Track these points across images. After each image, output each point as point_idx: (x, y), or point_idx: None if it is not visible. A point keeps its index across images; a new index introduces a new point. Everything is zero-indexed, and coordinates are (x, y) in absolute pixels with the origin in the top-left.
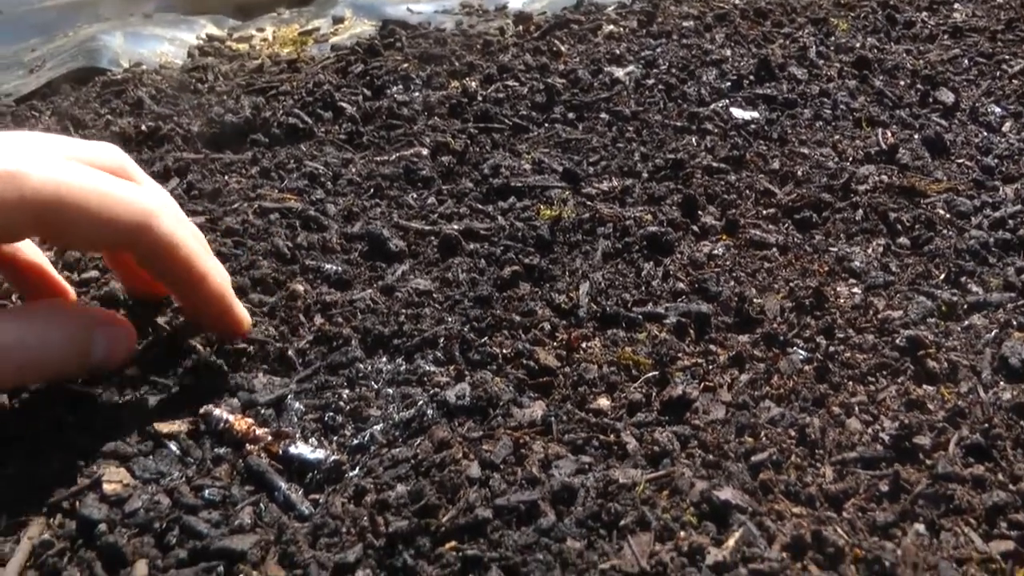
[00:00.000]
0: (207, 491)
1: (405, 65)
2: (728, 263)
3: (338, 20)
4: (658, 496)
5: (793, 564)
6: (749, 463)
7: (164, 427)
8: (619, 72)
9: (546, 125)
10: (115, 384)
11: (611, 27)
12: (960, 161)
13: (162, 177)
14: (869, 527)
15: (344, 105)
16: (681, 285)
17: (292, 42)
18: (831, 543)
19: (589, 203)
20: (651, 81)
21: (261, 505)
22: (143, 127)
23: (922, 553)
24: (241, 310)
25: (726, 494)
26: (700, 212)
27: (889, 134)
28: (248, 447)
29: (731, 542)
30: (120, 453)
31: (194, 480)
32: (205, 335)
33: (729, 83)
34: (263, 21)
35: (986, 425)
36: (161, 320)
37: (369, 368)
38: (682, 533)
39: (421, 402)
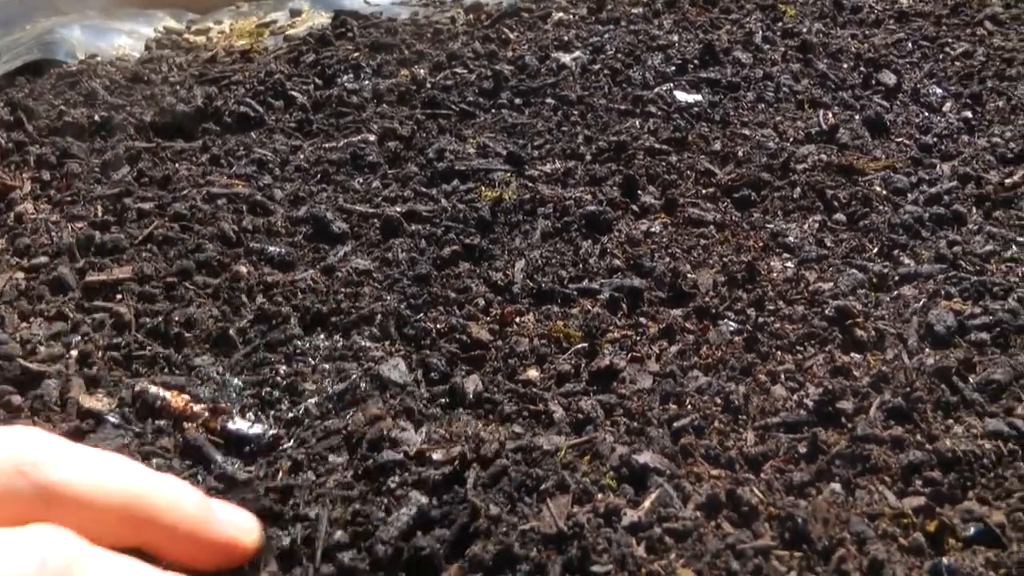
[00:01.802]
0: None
1: (356, 54)
2: (665, 240)
3: (296, 13)
4: (579, 461)
5: (707, 522)
6: (671, 429)
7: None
8: (566, 58)
9: (492, 111)
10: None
11: (561, 15)
12: (899, 140)
13: (113, 166)
14: (786, 487)
15: (295, 94)
16: (617, 262)
17: (249, 34)
18: (745, 502)
19: (531, 185)
20: (597, 66)
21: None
22: (96, 117)
23: (834, 509)
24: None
25: (645, 458)
26: (640, 192)
27: (830, 115)
28: (186, 424)
29: (647, 503)
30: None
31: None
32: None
33: (674, 67)
34: (222, 14)
35: (908, 389)
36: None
37: (307, 345)
38: (600, 496)
39: (355, 376)
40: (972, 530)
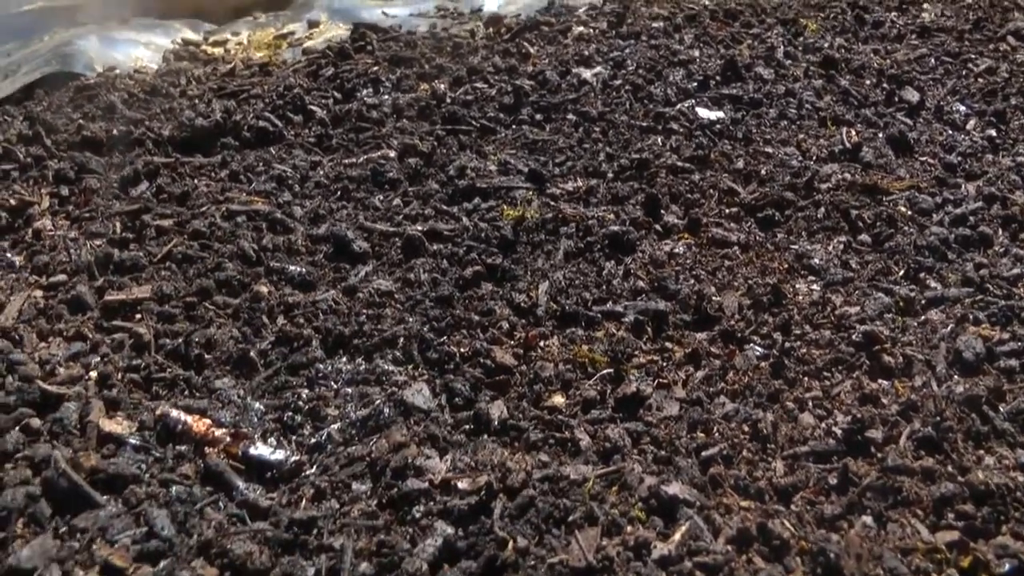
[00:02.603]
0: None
1: (375, 68)
2: (689, 261)
3: (313, 24)
4: (607, 492)
5: (738, 557)
6: (700, 458)
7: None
8: (587, 73)
9: (513, 127)
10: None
11: (581, 28)
12: (923, 159)
13: (132, 181)
14: (816, 520)
15: (314, 108)
16: (641, 284)
17: (267, 46)
18: (777, 535)
19: (553, 203)
20: (618, 82)
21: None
22: (114, 131)
23: (867, 544)
24: None
25: (674, 489)
26: (663, 211)
27: (853, 133)
28: (207, 449)
29: (677, 536)
30: None
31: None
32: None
33: (696, 83)
34: (239, 25)
35: (938, 418)
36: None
37: (329, 368)
38: (629, 528)
39: (378, 401)
40: (1007, 566)
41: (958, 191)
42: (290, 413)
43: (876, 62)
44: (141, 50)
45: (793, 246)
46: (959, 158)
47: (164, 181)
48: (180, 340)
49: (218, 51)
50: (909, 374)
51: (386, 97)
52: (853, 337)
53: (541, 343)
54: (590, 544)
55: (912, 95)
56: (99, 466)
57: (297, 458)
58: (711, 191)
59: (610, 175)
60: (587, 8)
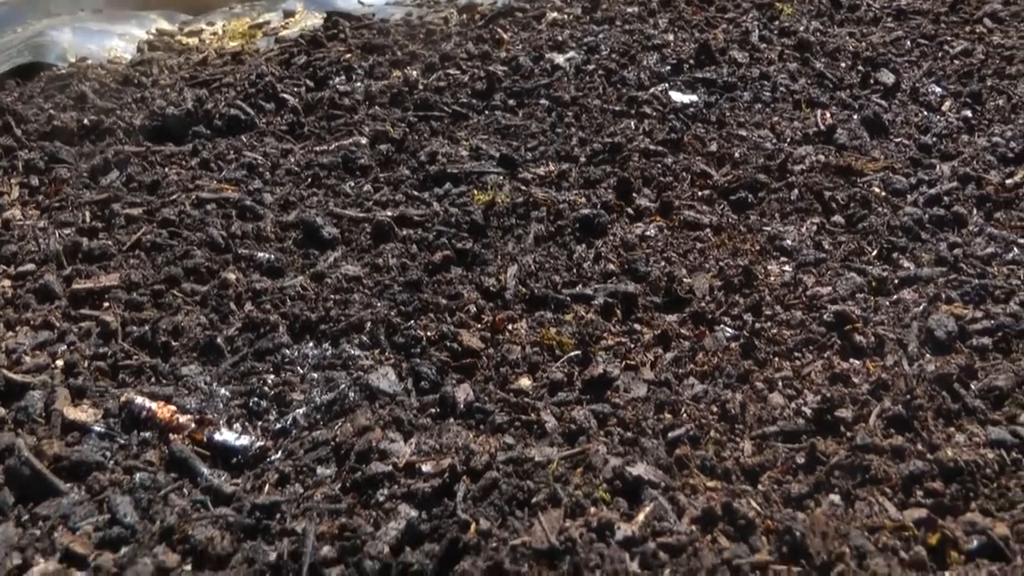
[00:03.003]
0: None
1: (348, 56)
2: (660, 244)
3: (289, 13)
4: (571, 473)
5: (703, 536)
6: (666, 439)
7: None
8: (560, 58)
9: (485, 112)
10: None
11: (555, 14)
12: (898, 140)
13: (102, 171)
14: (784, 499)
15: (286, 96)
16: (611, 266)
17: (241, 35)
18: (742, 515)
19: (524, 188)
20: (592, 67)
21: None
22: (85, 121)
23: (833, 522)
24: None
25: (639, 470)
26: (635, 194)
27: (828, 115)
28: (172, 435)
29: (641, 517)
30: None
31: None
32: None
33: (669, 67)
34: (215, 15)
35: (908, 396)
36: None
37: (295, 353)
38: (593, 509)
39: (344, 385)
40: (975, 543)
41: (933, 171)
42: (256, 399)
43: (852, 45)
44: (115, 41)
45: (766, 228)
46: (934, 139)
47: (134, 170)
48: (147, 327)
49: (193, 41)
50: (880, 353)
51: (358, 84)
52: (824, 317)
53: (509, 326)
54: (553, 526)
55: (887, 77)
56: (63, 454)
57: (262, 443)
58: (684, 174)
59: (582, 159)
60: None
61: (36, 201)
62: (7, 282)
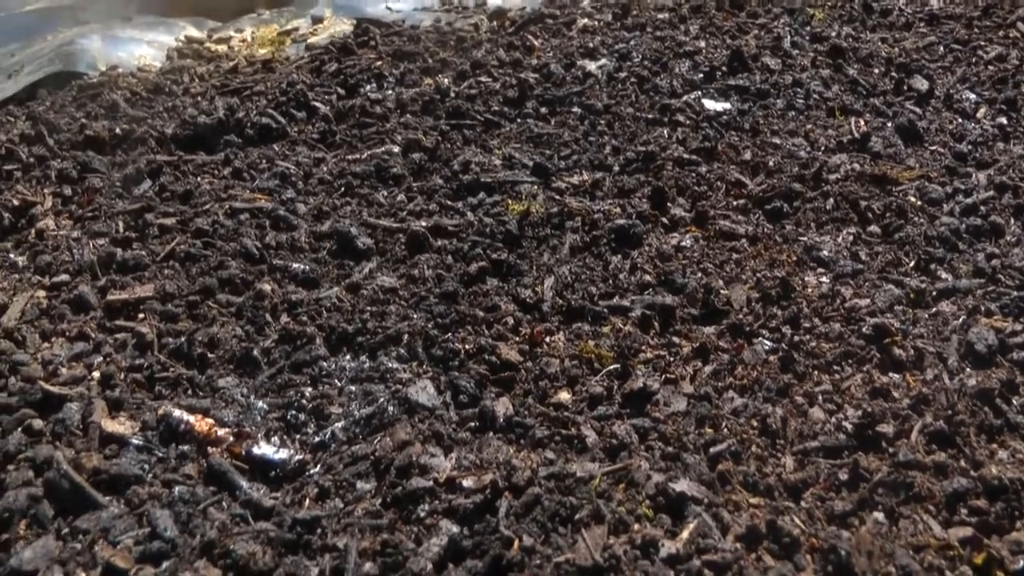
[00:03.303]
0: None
1: (379, 63)
2: (696, 255)
3: (317, 20)
4: (614, 489)
5: (747, 554)
6: (708, 455)
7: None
8: (592, 66)
9: (518, 120)
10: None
11: (585, 21)
12: (933, 148)
13: (135, 180)
14: (827, 516)
15: (317, 104)
16: (648, 278)
17: (270, 42)
18: (786, 533)
19: (558, 197)
20: (624, 74)
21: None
22: (117, 130)
23: (878, 541)
24: None
25: (682, 486)
26: (670, 204)
27: (862, 122)
28: (210, 449)
29: (685, 534)
30: None
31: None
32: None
33: (702, 75)
34: (243, 22)
35: (950, 412)
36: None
37: (333, 366)
38: (636, 526)
39: (382, 399)
40: (1022, 563)
41: (969, 180)
42: (293, 412)
43: (884, 51)
44: (144, 48)
45: (802, 238)
46: (969, 147)
47: (167, 179)
48: (183, 339)
49: (222, 48)
50: (920, 367)
51: (390, 92)
52: (863, 330)
53: (547, 339)
54: (596, 543)
55: (921, 84)
56: (101, 467)
57: (301, 457)
58: (718, 183)
59: (616, 168)
60: (591, 0)
61: (69, 211)
62: (42, 293)
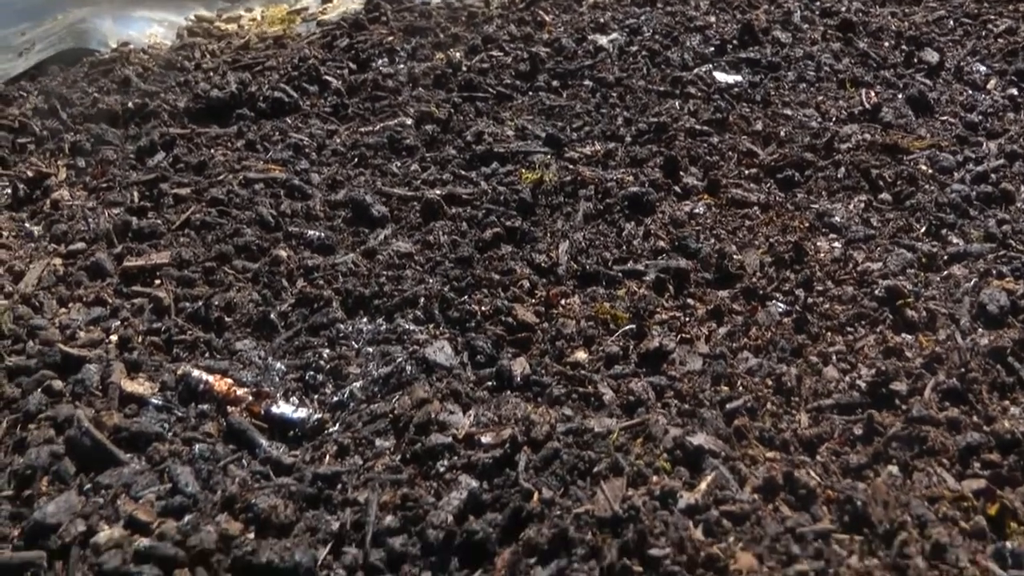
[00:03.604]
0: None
1: (390, 38)
2: (709, 221)
3: None
4: (632, 443)
5: (765, 505)
6: (724, 411)
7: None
8: (603, 40)
9: (530, 93)
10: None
11: None
12: (944, 118)
13: (148, 152)
14: (842, 469)
15: (329, 78)
16: (662, 243)
17: (280, 21)
18: (803, 484)
19: (571, 167)
20: (635, 48)
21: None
22: (130, 104)
23: (893, 492)
24: None
25: (699, 439)
26: (682, 173)
27: (873, 94)
28: (229, 408)
29: (703, 485)
30: None
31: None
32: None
33: (712, 48)
34: (252, 2)
35: (963, 370)
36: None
37: (350, 328)
38: (655, 478)
39: (400, 359)
40: None
41: (979, 149)
42: (311, 372)
43: (894, 24)
44: (155, 27)
45: (814, 205)
46: (980, 117)
47: (180, 151)
48: (200, 303)
49: (232, 27)
50: (933, 328)
51: (401, 66)
52: (876, 292)
53: (562, 301)
54: (616, 494)
55: (931, 56)
56: (122, 425)
57: (320, 416)
58: (730, 153)
59: (628, 139)
60: None
61: (83, 182)
62: (58, 260)
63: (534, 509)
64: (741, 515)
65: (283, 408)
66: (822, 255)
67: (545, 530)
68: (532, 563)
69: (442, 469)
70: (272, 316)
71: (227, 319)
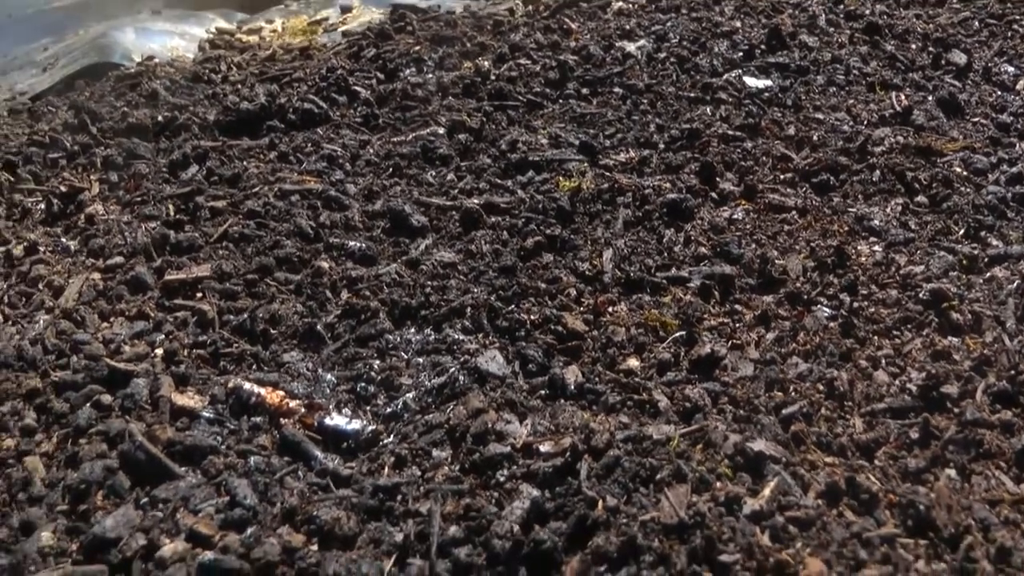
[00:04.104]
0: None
1: (417, 48)
2: (748, 227)
3: (346, 9)
4: (692, 450)
5: (829, 510)
6: (780, 416)
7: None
8: (631, 47)
9: (560, 101)
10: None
11: (620, 3)
12: (975, 120)
13: (181, 165)
14: (901, 473)
15: (358, 89)
16: (703, 249)
17: (302, 32)
18: (865, 489)
19: (607, 174)
20: (663, 54)
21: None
22: (159, 118)
23: (955, 496)
24: None
25: (759, 445)
26: (718, 179)
27: (903, 96)
28: (282, 420)
29: (767, 491)
30: None
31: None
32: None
33: (741, 53)
34: (272, 13)
35: (1012, 372)
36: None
37: (398, 339)
38: (718, 484)
39: (452, 369)
40: None
41: (1013, 150)
42: (363, 384)
43: (920, 27)
44: (176, 40)
45: (851, 209)
46: (1011, 118)
47: (213, 164)
48: (245, 316)
49: (253, 39)
50: (979, 330)
51: (430, 76)
52: (920, 295)
53: (610, 309)
54: (680, 501)
55: (959, 58)
56: (175, 438)
57: (374, 427)
58: (764, 158)
59: (661, 145)
60: None
61: (117, 196)
62: (97, 275)
63: (599, 517)
64: (807, 520)
65: (336, 420)
66: (863, 259)
67: (613, 538)
68: (602, 571)
69: (502, 479)
70: (319, 328)
71: (273, 331)
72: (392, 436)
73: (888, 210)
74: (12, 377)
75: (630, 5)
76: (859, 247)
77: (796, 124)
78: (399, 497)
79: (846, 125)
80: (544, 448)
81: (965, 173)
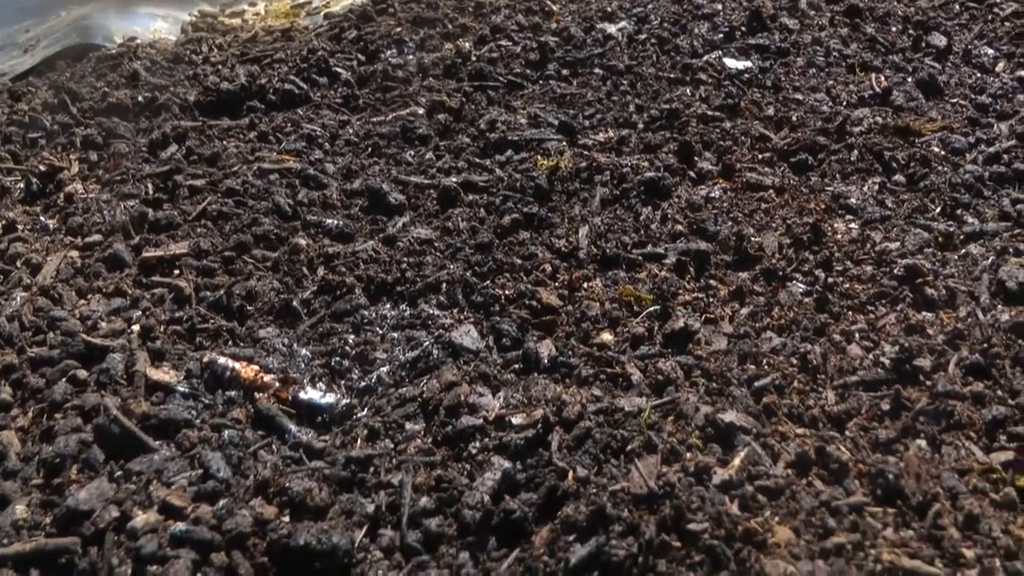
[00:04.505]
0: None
1: (398, 29)
2: (726, 205)
3: None
4: (663, 422)
5: (798, 480)
6: (752, 388)
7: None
8: (611, 28)
9: (540, 82)
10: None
11: None
12: (954, 101)
13: (161, 145)
14: (872, 444)
15: (339, 70)
16: (679, 227)
17: (284, 15)
18: (835, 459)
19: (586, 153)
20: (643, 36)
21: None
22: (139, 98)
23: (924, 465)
24: None
25: (730, 417)
26: (696, 158)
27: (883, 78)
28: (257, 394)
29: (737, 461)
30: None
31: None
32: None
33: (721, 35)
34: None
35: (985, 345)
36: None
37: (374, 314)
38: (688, 455)
39: (426, 343)
40: None
41: (990, 131)
42: (337, 358)
43: (900, 10)
44: (159, 22)
45: (828, 188)
46: (990, 99)
47: (193, 143)
48: (221, 292)
49: (236, 21)
50: (953, 305)
51: (411, 57)
52: (895, 271)
53: (585, 284)
54: (650, 471)
55: (939, 40)
56: (149, 412)
57: (348, 401)
58: (743, 138)
59: (641, 125)
60: None
61: (96, 175)
62: (75, 253)
63: (569, 488)
64: (776, 490)
65: (311, 393)
66: (839, 236)
67: (583, 507)
68: (571, 540)
69: (474, 451)
70: (295, 304)
71: (249, 307)
72: (366, 409)
73: (865, 189)
74: None
75: None
76: (835, 224)
77: (775, 105)
78: (371, 469)
79: (825, 106)
80: (516, 420)
81: (943, 153)
